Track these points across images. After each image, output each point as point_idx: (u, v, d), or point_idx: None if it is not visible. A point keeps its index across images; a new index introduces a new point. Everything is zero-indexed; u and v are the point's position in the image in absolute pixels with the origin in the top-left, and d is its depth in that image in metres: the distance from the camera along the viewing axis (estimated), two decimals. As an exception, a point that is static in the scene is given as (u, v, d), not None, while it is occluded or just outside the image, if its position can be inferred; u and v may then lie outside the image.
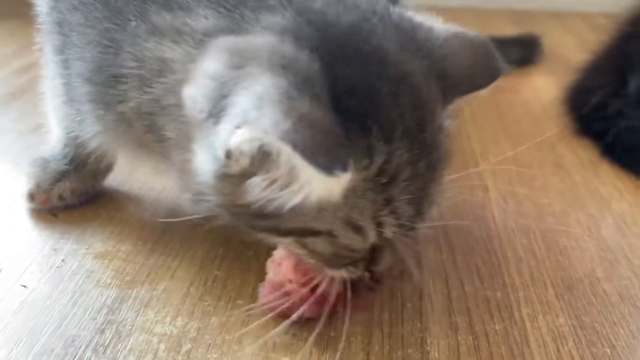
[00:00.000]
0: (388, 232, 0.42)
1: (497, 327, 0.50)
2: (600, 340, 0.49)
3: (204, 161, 0.40)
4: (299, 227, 0.42)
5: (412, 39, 0.45)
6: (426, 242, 0.60)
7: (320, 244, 0.43)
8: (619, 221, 0.65)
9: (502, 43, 1.12)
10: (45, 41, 0.59)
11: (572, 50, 1.18)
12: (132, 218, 0.63)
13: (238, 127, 0.36)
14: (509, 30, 1.35)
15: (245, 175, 0.39)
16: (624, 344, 0.48)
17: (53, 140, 0.65)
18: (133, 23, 0.46)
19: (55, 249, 0.57)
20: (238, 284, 0.53)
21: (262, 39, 0.40)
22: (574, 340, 0.49)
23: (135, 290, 0.52)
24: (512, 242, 0.61)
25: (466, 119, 0.88)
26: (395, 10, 0.47)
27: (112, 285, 0.53)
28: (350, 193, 0.39)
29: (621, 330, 0.50)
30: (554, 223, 0.64)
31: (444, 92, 0.45)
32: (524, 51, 1.13)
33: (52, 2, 0.56)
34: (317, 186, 0.37)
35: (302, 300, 0.47)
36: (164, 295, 0.52)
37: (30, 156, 0.69)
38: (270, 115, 0.34)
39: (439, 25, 0.48)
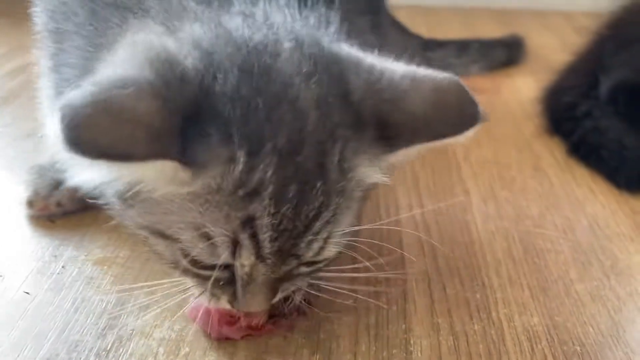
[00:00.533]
0: (245, 256, 0.41)
1: (476, 327, 0.53)
2: (571, 339, 0.52)
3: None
4: (145, 224, 0.43)
5: (329, 73, 0.43)
6: (410, 246, 0.63)
7: (164, 248, 0.44)
8: (592, 223, 0.69)
9: (487, 45, 1.16)
10: (42, 49, 0.61)
11: (553, 50, 1.21)
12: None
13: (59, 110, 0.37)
14: (492, 29, 1.38)
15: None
16: (592, 342, 0.52)
17: (49, 147, 0.67)
18: (115, 30, 0.47)
19: (55, 256, 0.60)
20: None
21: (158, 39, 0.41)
22: (547, 339, 0.52)
23: (134, 295, 0.55)
24: (491, 245, 0.64)
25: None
26: (332, 45, 0.45)
27: (111, 291, 0.55)
28: (204, 199, 0.39)
29: (591, 329, 0.53)
30: (532, 226, 0.68)
31: (389, 140, 0.43)
32: (508, 52, 1.16)
33: (50, 12, 0.58)
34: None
35: (220, 321, 0.49)
36: (162, 300, 0.55)
37: (24, 162, 0.72)
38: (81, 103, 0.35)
39: (396, 67, 0.45)
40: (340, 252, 0.46)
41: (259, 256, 0.41)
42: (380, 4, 0.88)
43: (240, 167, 0.38)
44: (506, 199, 0.72)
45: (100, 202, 0.46)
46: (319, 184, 0.41)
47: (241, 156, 0.38)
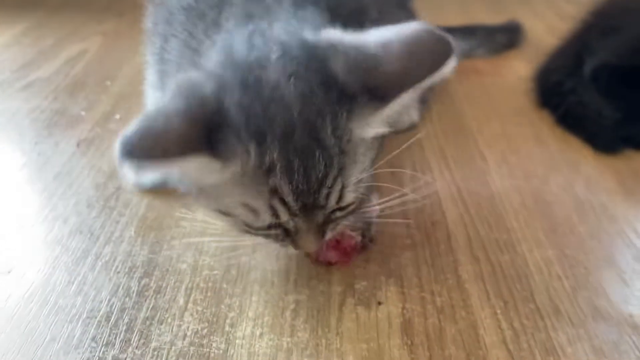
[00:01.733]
0: (282, 216, 0.54)
1: (506, 258, 0.70)
2: (577, 264, 0.69)
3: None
4: (213, 207, 0.57)
5: (310, 67, 0.53)
6: (446, 199, 0.80)
7: (233, 222, 0.58)
8: (586, 180, 0.85)
9: (491, 30, 1.32)
10: (150, 47, 0.73)
11: (542, 35, 1.37)
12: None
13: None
14: (484, 14, 1.54)
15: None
16: (592, 266, 0.69)
17: None
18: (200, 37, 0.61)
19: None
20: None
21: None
22: (559, 265, 0.69)
23: (242, 242, 0.70)
24: (509, 198, 0.81)
25: (461, 100, 1.08)
26: (314, 38, 0.55)
27: (224, 239, 0.71)
28: (238, 182, 0.52)
29: (591, 257, 0.71)
30: (539, 183, 0.84)
31: (380, 96, 0.52)
32: (508, 37, 1.32)
33: (160, 19, 0.71)
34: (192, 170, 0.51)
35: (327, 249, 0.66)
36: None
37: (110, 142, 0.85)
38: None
39: (369, 37, 0.53)
40: (363, 195, 0.58)
41: (291, 213, 0.54)
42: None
43: (253, 155, 0.51)
44: (516, 164, 0.89)
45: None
46: (317, 153, 0.52)
47: (252, 148, 0.51)
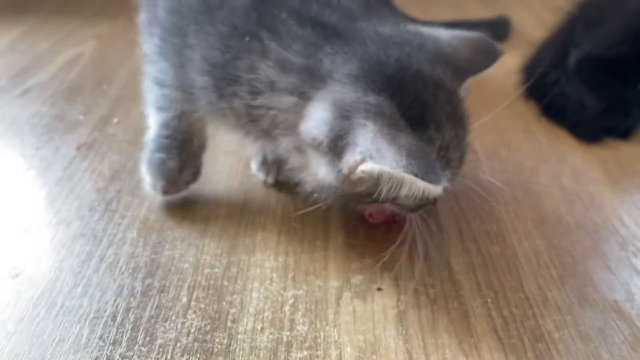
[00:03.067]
0: (450, 182, 0.62)
1: (496, 249, 0.73)
2: (564, 254, 0.72)
3: (326, 172, 0.60)
4: (391, 198, 0.61)
5: (431, 50, 0.64)
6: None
7: (409, 201, 0.63)
8: (573, 171, 0.88)
9: (474, 25, 1.34)
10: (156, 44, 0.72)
11: (531, 27, 1.39)
12: (219, 189, 0.82)
13: (363, 159, 0.55)
14: (474, 7, 1.56)
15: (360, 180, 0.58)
16: (580, 255, 0.72)
17: (155, 128, 0.78)
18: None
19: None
20: (312, 231, 0.74)
21: (349, 94, 0.58)
22: (548, 254, 0.72)
23: (241, 239, 0.73)
24: (500, 190, 0.83)
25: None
26: (413, 30, 0.66)
27: (223, 238, 0.73)
28: None
29: (578, 246, 0.73)
30: (528, 175, 0.87)
31: (456, 77, 0.65)
32: (492, 31, 1.34)
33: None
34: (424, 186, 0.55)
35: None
36: (263, 242, 0.73)
37: (109, 147, 0.87)
38: (388, 155, 0.54)
39: (443, 33, 0.68)
40: None
41: (453, 175, 0.64)
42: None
43: (437, 140, 0.60)
44: (506, 157, 0.92)
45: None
46: (464, 123, 0.65)
47: (435, 134, 0.60)
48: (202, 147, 0.80)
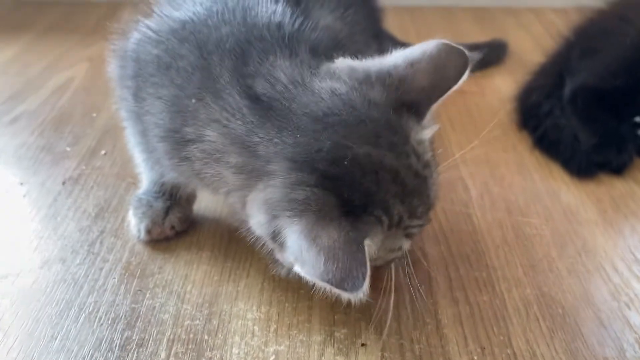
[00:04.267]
0: (406, 245, 0.63)
1: (484, 298, 0.71)
2: (555, 304, 0.70)
3: (256, 220, 0.58)
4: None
5: (379, 98, 0.58)
6: (429, 238, 0.80)
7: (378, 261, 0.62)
8: (566, 211, 0.86)
9: (468, 48, 1.32)
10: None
11: (529, 51, 1.37)
12: (203, 231, 0.81)
13: (295, 260, 0.53)
14: (471, 28, 1.54)
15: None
16: (570, 305, 0.70)
17: (146, 183, 0.80)
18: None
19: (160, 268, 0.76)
20: (296, 279, 0.73)
21: (279, 190, 0.55)
22: (537, 304, 0.70)
23: (224, 287, 0.71)
24: (490, 233, 0.82)
25: (445, 125, 1.08)
26: (361, 72, 0.59)
27: (206, 284, 0.72)
28: (384, 241, 0.58)
29: (568, 296, 0.72)
30: (520, 215, 0.85)
31: (417, 112, 0.59)
32: (493, 53, 1.32)
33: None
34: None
35: None
36: (246, 290, 0.71)
37: (95, 178, 0.86)
38: (308, 260, 0.51)
39: (397, 59, 0.59)
40: None
41: (420, 225, 0.62)
42: (381, 29, 1.05)
43: (385, 219, 0.57)
44: (498, 194, 0.90)
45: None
46: (421, 185, 0.60)
47: (382, 215, 0.57)
48: (190, 197, 0.79)
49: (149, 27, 0.68)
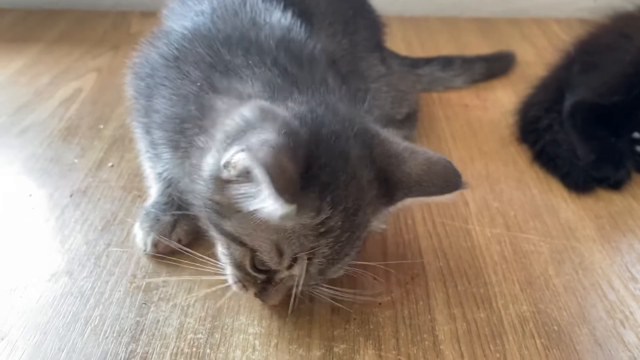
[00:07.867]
0: (297, 270, 0.60)
1: (482, 315, 0.72)
2: (551, 321, 0.72)
3: (208, 163, 0.59)
4: (234, 234, 0.60)
5: (371, 150, 0.62)
6: (428, 253, 0.82)
7: (238, 253, 0.62)
8: (565, 227, 0.88)
9: (469, 60, 1.33)
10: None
11: (532, 64, 1.38)
12: (208, 245, 0.82)
13: (242, 150, 0.52)
14: (475, 39, 1.56)
15: (229, 182, 0.56)
16: (566, 322, 0.72)
17: (154, 196, 0.82)
18: None
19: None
20: (298, 293, 0.74)
21: (283, 112, 0.57)
22: (533, 322, 0.71)
23: (227, 300, 0.73)
24: (489, 249, 0.83)
25: (447, 140, 1.10)
26: (369, 127, 0.64)
27: (209, 298, 0.73)
28: (292, 229, 0.57)
29: (564, 313, 0.73)
30: (518, 231, 0.87)
31: (391, 192, 0.62)
32: (488, 66, 1.33)
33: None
34: (268, 206, 0.51)
35: None
36: (249, 303, 0.73)
37: (101, 191, 0.88)
38: (265, 153, 0.50)
39: (400, 141, 0.64)
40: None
41: (307, 272, 0.60)
42: (381, 42, 1.07)
43: (323, 216, 0.57)
44: (497, 209, 0.91)
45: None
46: (358, 233, 0.61)
47: (327, 209, 0.57)
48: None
49: (162, 45, 0.72)
